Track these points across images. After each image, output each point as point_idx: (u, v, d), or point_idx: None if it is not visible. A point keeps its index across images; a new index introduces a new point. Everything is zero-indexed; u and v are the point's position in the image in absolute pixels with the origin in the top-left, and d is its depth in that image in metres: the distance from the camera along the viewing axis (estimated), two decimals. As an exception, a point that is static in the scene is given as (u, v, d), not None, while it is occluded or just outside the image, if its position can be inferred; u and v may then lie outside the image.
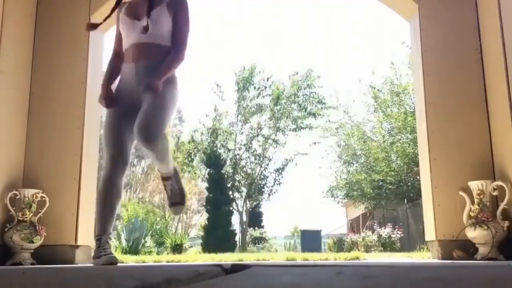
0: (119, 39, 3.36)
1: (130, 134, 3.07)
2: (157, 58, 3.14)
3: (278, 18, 62.81)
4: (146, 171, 32.79)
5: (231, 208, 19.89)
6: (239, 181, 22.71)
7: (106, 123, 3.23)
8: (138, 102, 3.05)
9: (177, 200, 3.41)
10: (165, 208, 24.54)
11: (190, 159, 23.40)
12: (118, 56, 3.33)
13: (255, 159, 22.89)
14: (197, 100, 52.83)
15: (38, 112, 4.45)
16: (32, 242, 4.01)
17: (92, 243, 4.88)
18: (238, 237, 20.01)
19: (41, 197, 4.19)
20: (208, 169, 20.12)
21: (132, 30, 3.23)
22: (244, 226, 21.91)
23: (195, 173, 23.78)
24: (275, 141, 22.86)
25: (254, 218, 25.47)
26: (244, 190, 22.77)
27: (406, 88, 19.30)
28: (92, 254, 3.24)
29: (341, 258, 5.59)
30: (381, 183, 19.69)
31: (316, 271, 1.85)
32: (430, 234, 4.22)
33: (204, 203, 19.93)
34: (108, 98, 3.24)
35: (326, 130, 22.67)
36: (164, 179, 3.39)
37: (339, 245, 18.29)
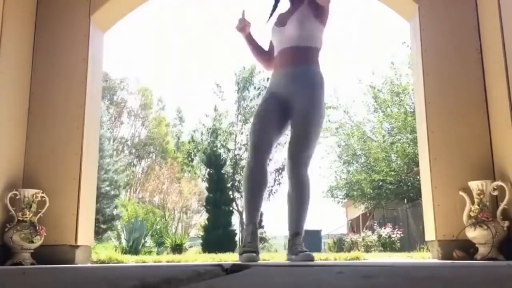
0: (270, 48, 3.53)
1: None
2: (304, 61, 3.26)
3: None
4: (146, 171, 32.80)
5: (231, 208, 19.88)
6: (239, 181, 22.72)
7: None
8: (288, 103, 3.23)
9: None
10: (165, 208, 24.56)
11: (190, 159, 23.43)
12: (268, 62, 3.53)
13: (255, 159, 22.86)
14: (197, 100, 52.87)
15: (38, 112, 4.45)
16: (32, 242, 4.01)
17: (92, 243, 4.89)
18: (238, 237, 19.98)
19: (41, 197, 4.19)
20: (208, 169, 20.11)
21: (278, 37, 3.35)
22: (244, 226, 21.89)
23: (195, 173, 23.81)
24: (275, 141, 22.83)
25: (254, 218, 25.43)
26: (244, 190, 22.74)
27: (406, 88, 19.32)
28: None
29: (341, 258, 5.58)
30: (381, 183, 19.69)
31: (316, 271, 1.85)
32: (430, 234, 4.22)
33: (204, 203, 19.92)
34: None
35: (326, 130, 22.67)
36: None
37: (339, 245, 18.31)
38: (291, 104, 3.29)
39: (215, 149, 21.82)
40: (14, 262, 3.96)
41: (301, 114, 3.24)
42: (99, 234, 18.15)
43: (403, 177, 19.03)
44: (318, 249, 17.95)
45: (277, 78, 3.40)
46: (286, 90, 3.30)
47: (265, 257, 5.71)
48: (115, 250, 8.39)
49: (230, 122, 23.17)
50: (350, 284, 1.22)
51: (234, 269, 1.94)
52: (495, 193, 3.87)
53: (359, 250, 12.59)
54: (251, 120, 4.04)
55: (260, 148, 3.31)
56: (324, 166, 29.19)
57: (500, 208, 3.79)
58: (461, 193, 4.00)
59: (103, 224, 19.50)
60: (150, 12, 58.67)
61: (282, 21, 3.39)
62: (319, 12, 3.30)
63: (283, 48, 3.34)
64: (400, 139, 19.37)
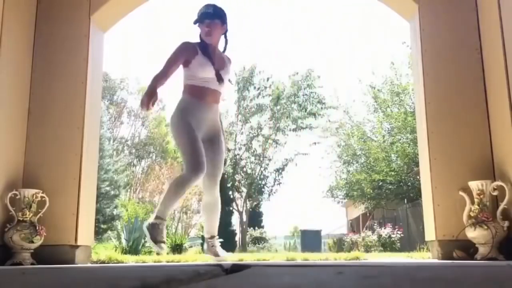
0: None
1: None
2: None
3: (279, 18, 62.80)
4: (146, 171, 32.80)
5: (231, 208, 19.88)
6: (239, 181, 22.72)
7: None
8: None
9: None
10: (165, 208, 24.53)
11: (190, 159, 23.38)
12: None
13: (255, 159, 22.90)
14: (197, 100, 52.82)
15: (38, 112, 4.45)
16: (32, 242, 4.01)
17: (92, 243, 4.89)
18: (238, 237, 20.00)
19: (41, 197, 4.19)
20: (208, 169, 20.05)
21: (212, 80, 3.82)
22: (244, 226, 21.91)
23: (195, 173, 23.76)
24: (275, 141, 22.86)
25: (254, 218, 25.47)
26: (244, 190, 22.77)
27: (406, 88, 19.31)
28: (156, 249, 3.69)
29: (341, 258, 5.58)
30: (381, 183, 19.69)
31: (316, 271, 1.85)
32: (430, 234, 4.22)
33: (204, 203, 19.87)
34: None
35: (326, 130, 22.68)
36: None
37: (339, 245, 18.31)
38: None
39: (215, 149, 21.77)
40: (14, 262, 3.96)
41: None
42: (99, 234, 18.12)
43: (403, 177, 19.02)
44: (318, 249, 17.93)
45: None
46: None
47: (265, 257, 5.71)
48: (115, 250, 8.38)
49: (230, 122, 23.15)
50: (350, 284, 1.23)
51: (234, 269, 1.94)
52: (495, 193, 3.87)
53: (359, 250, 12.59)
54: (251, 119, 4.17)
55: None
56: (324, 166, 29.16)
57: (500, 208, 3.79)
58: (461, 193, 4.00)
59: (103, 224, 19.49)
60: (150, 12, 58.68)
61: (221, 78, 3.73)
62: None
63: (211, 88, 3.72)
64: (400, 139, 19.36)
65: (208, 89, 3.66)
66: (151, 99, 3.45)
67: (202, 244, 16.77)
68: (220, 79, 3.66)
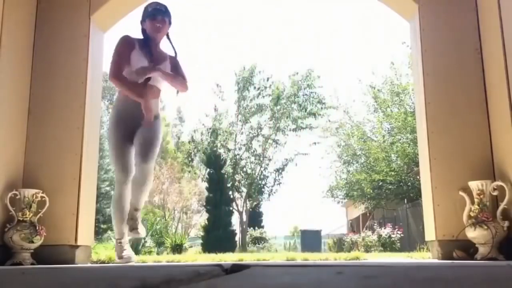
0: None
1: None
2: None
3: (279, 18, 62.80)
4: (146, 171, 32.80)
5: (231, 208, 19.88)
6: (239, 181, 22.72)
7: None
8: None
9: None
10: (165, 208, 24.56)
11: (190, 159, 23.42)
12: None
13: (255, 159, 22.90)
14: (197, 100, 52.88)
15: (38, 112, 4.45)
16: (32, 242, 4.01)
17: (92, 243, 4.89)
18: (238, 237, 19.99)
19: (41, 197, 4.19)
20: (208, 169, 20.11)
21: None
22: (244, 226, 21.91)
23: (195, 173, 23.79)
24: (275, 141, 22.86)
25: (254, 218, 25.48)
26: (244, 190, 22.77)
27: (406, 88, 19.31)
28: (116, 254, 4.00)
29: (341, 258, 5.58)
30: (381, 183, 19.68)
31: (316, 271, 1.85)
32: (430, 234, 4.22)
33: (204, 203, 19.91)
34: None
35: (326, 130, 22.68)
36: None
37: (339, 245, 18.30)
38: None
39: (215, 149, 21.80)
40: (14, 262, 3.95)
41: None
42: (99, 234, 18.13)
43: (403, 177, 19.02)
44: (318, 249, 17.92)
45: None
46: None
47: (265, 257, 5.71)
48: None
49: (230, 122, 23.14)
50: (350, 284, 1.23)
51: (234, 269, 1.94)
52: (495, 193, 3.87)
53: (359, 250, 12.59)
54: (251, 119, 4.37)
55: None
56: (324, 166, 29.21)
57: (500, 208, 3.79)
58: (461, 193, 4.00)
59: (103, 224, 19.48)
60: (150, 12, 58.61)
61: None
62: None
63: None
64: (400, 139, 19.35)
65: (142, 85, 3.76)
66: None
67: (202, 244, 16.80)
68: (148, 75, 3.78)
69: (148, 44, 3.85)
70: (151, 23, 3.85)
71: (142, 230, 3.85)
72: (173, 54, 4.06)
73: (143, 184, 3.80)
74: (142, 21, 3.96)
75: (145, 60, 3.76)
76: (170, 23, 3.96)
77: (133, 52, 3.78)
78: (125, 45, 3.81)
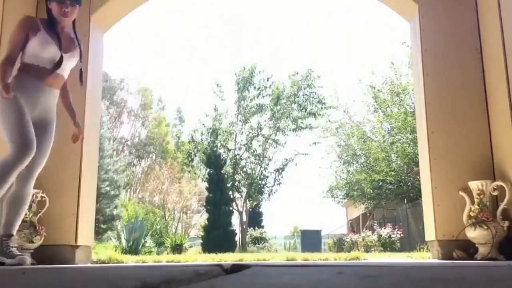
0: None
1: None
2: None
3: (279, 18, 62.83)
4: (146, 171, 32.80)
5: (231, 208, 19.86)
6: (239, 181, 22.71)
7: None
8: None
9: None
10: (165, 208, 24.56)
11: (190, 159, 23.42)
12: None
13: (255, 159, 22.89)
14: (197, 100, 52.88)
15: (38, 112, 4.44)
16: (32, 242, 4.01)
17: (92, 243, 4.88)
18: (238, 237, 19.98)
19: (41, 197, 4.19)
20: (208, 169, 20.09)
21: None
22: (244, 226, 21.90)
23: (195, 173, 23.80)
24: (275, 141, 22.85)
25: (254, 218, 25.47)
26: (244, 190, 22.76)
27: (406, 88, 19.31)
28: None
29: (341, 258, 5.59)
30: (381, 183, 19.68)
31: (316, 271, 1.85)
32: (430, 234, 4.22)
33: (204, 203, 19.91)
34: None
35: (326, 130, 22.67)
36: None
37: (339, 245, 18.30)
38: None
39: (215, 149, 21.79)
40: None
41: None
42: (99, 234, 18.13)
43: (403, 177, 19.02)
44: (318, 249, 17.92)
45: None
46: None
47: (265, 257, 5.71)
48: (115, 250, 8.38)
49: (230, 122, 23.13)
50: (350, 284, 1.23)
51: (234, 269, 1.94)
52: (495, 193, 3.87)
53: (359, 250, 12.59)
54: (251, 119, 4.06)
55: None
56: (324, 166, 29.16)
57: (500, 208, 3.79)
58: (461, 193, 4.00)
59: (103, 224, 19.49)
60: (150, 12, 58.70)
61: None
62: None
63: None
64: (400, 139, 19.35)
65: (48, 71, 3.40)
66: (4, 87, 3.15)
67: (202, 244, 16.82)
68: (60, 62, 3.42)
69: (52, 26, 3.42)
70: (58, 6, 3.40)
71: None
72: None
73: (23, 204, 3.46)
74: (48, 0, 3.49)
75: (53, 44, 3.39)
76: (80, 6, 3.50)
77: (38, 34, 3.37)
78: (22, 28, 3.38)
